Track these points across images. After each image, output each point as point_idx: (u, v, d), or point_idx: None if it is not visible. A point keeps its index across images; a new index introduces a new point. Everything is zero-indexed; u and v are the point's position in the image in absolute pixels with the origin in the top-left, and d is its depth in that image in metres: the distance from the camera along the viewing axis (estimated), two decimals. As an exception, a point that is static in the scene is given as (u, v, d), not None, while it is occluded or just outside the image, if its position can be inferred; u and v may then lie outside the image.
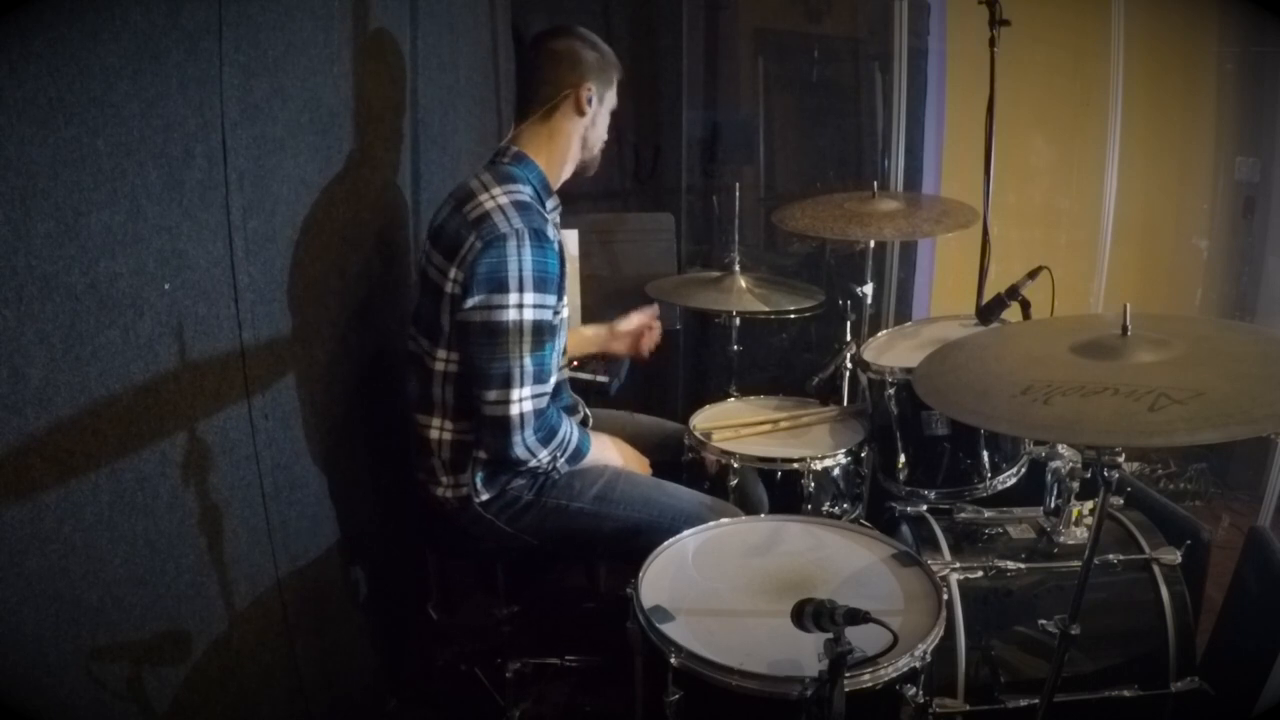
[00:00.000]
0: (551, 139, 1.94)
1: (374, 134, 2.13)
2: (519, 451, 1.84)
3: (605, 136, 2.03)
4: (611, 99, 2.00)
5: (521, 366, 1.79)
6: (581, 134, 1.96)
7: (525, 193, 1.85)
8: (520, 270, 1.76)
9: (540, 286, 1.78)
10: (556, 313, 1.88)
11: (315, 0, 1.82)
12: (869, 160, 3.93)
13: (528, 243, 1.76)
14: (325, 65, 1.86)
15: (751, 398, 2.60)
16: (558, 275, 1.84)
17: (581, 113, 1.93)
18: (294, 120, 1.75)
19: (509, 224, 1.76)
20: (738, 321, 2.78)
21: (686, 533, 1.77)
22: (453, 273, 1.79)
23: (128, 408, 1.35)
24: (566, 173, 2.01)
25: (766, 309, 2.67)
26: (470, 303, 1.77)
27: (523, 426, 1.82)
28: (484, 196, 1.82)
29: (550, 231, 1.84)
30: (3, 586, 1.14)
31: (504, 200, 1.80)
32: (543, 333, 1.81)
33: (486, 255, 1.75)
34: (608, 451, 2.07)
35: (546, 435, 1.87)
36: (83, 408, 1.26)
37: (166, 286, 1.41)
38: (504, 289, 1.76)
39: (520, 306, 1.77)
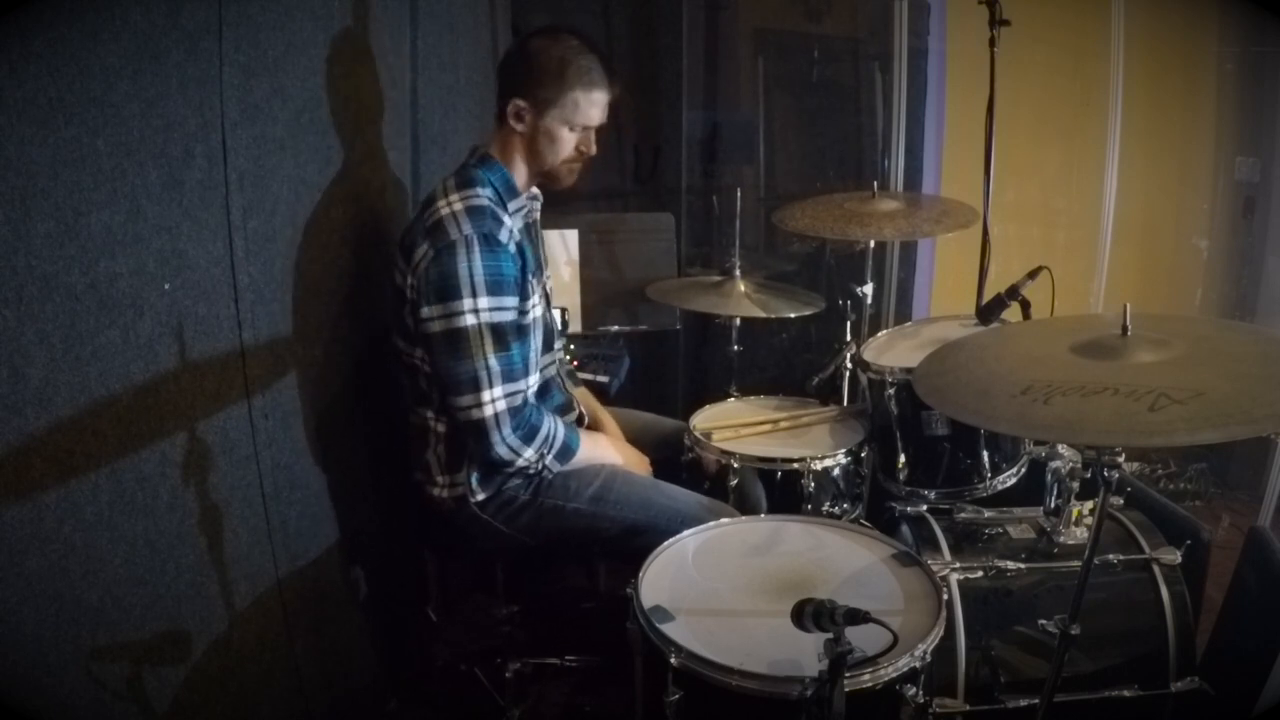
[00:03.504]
0: (504, 145, 1.92)
1: (374, 134, 2.13)
2: (501, 451, 1.84)
3: (570, 153, 1.90)
4: (566, 117, 1.85)
5: (488, 368, 1.79)
6: (525, 145, 1.90)
7: (483, 196, 1.84)
8: (471, 275, 1.76)
9: (495, 290, 1.78)
10: (523, 312, 1.87)
11: (315, 0, 1.82)
12: (869, 160, 3.93)
13: (477, 248, 1.76)
14: (325, 65, 1.86)
15: (751, 398, 2.59)
16: (514, 277, 1.82)
17: (512, 127, 1.88)
18: (294, 120, 1.75)
19: (459, 230, 1.77)
20: (738, 322, 2.78)
21: (686, 533, 1.77)
22: (409, 278, 1.80)
23: (128, 408, 1.35)
24: (536, 177, 1.97)
25: (765, 315, 2.67)
26: (427, 313, 1.78)
27: (499, 426, 1.82)
28: (441, 203, 1.82)
29: (503, 235, 1.82)
30: (3, 586, 1.14)
31: (458, 206, 1.81)
32: (505, 333, 1.81)
33: (437, 263, 1.76)
34: (605, 450, 2.06)
35: (528, 433, 1.86)
36: (83, 408, 1.26)
37: (166, 286, 1.41)
38: (457, 295, 1.76)
39: (476, 311, 1.77)
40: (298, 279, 1.78)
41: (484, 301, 1.78)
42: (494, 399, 1.81)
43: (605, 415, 2.27)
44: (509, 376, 1.82)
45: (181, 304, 1.45)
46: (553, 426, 1.92)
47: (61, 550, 1.24)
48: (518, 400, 1.85)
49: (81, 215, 1.23)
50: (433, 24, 2.48)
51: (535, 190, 2.03)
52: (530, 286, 1.90)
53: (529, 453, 1.87)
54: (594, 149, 1.95)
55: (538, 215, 2.05)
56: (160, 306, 1.40)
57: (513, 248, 1.84)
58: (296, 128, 1.76)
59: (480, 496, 1.94)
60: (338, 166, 1.93)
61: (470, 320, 1.77)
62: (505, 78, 1.90)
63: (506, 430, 1.83)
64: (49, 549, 1.22)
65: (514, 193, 1.93)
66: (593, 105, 1.87)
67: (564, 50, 1.84)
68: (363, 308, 2.07)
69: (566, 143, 1.89)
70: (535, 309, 1.93)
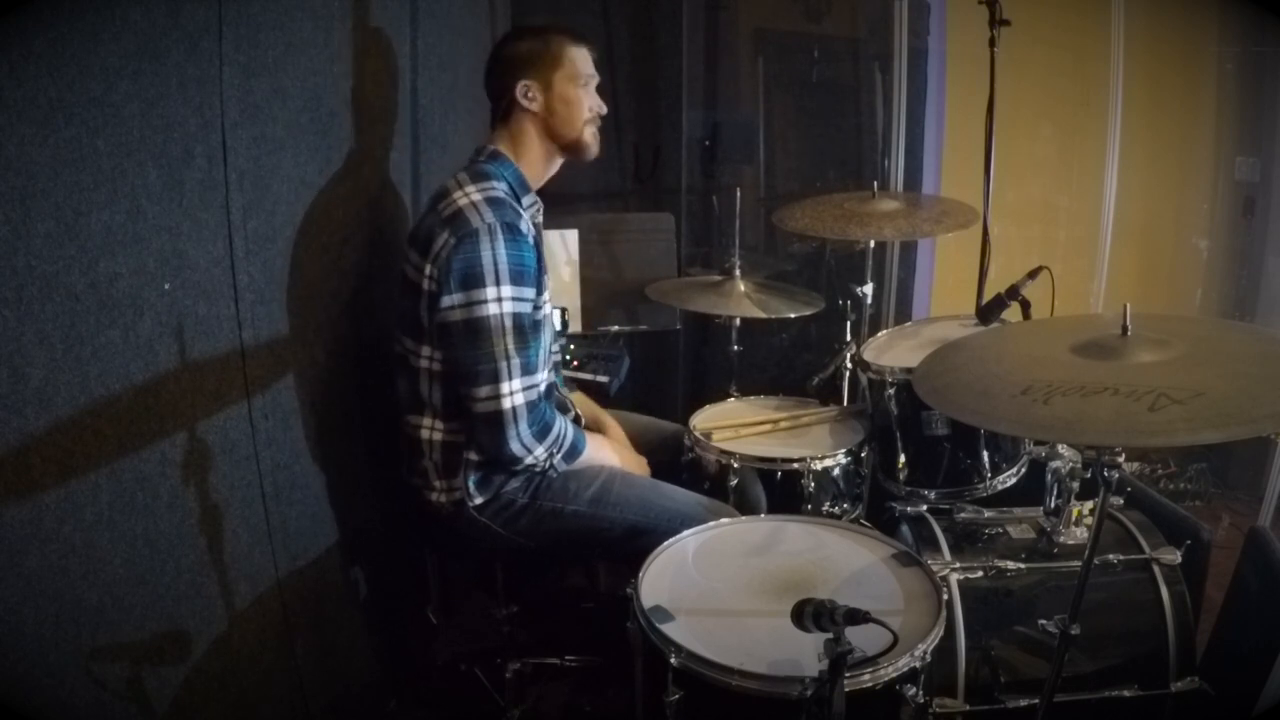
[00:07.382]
0: (515, 140, 1.94)
1: (374, 134, 2.13)
2: (514, 447, 1.84)
3: (587, 113, 1.94)
4: (571, 74, 1.91)
5: (509, 360, 1.79)
6: (541, 127, 1.93)
7: (499, 189, 1.85)
8: (495, 264, 1.76)
9: (517, 279, 1.79)
10: (538, 307, 1.88)
11: (315, 0, 1.82)
12: (869, 160, 3.93)
13: (500, 236, 1.77)
14: (325, 65, 1.86)
15: (751, 398, 2.60)
16: (534, 269, 1.84)
17: (527, 110, 1.92)
18: (294, 120, 1.75)
19: (481, 219, 1.77)
20: (738, 322, 2.78)
21: (686, 533, 1.77)
22: (428, 269, 1.80)
23: (128, 408, 1.35)
24: (551, 167, 2.00)
25: (765, 315, 2.68)
26: (448, 301, 1.78)
27: (517, 420, 1.82)
28: (458, 194, 1.82)
29: (524, 226, 1.84)
30: (3, 586, 1.14)
31: (477, 196, 1.81)
32: (524, 326, 1.81)
33: (460, 251, 1.76)
34: (604, 452, 2.06)
35: (541, 430, 1.87)
36: (83, 408, 1.26)
37: (166, 286, 1.41)
38: (480, 284, 1.76)
39: (499, 300, 1.77)
40: (298, 279, 1.78)
41: (507, 290, 1.78)
42: (513, 392, 1.81)
43: (608, 419, 2.27)
44: (527, 370, 1.82)
45: (181, 304, 1.45)
46: (563, 426, 1.93)
47: (61, 550, 1.24)
48: (534, 395, 1.85)
49: (81, 215, 1.23)
50: (433, 24, 2.48)
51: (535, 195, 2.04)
52: (544, 282, 1.91)
53: (540, 450, 1.87)
54: (604, 107, 1.99)
55: (541, 218, 2.06)
56: (160, 306, 1.40)
57: (531, 240, 1.85)
58: (296, 128, 1.76)
59: (478, 500, 1.93)
60: (338, 166, 1.93)
61: (493, 309, 1.77)
62: (499, 74, 1.94)
63: (523, 425, 1.83)
64: (49, 549, 1.22)
65: (525, 189, 1.95)
66: (587, 58, 1.96)
67: (535, 30, 1.96)
68: (363, 308, 2.07)
69: (581, 102, 1.94)
70: (546, 306, 1.94)
